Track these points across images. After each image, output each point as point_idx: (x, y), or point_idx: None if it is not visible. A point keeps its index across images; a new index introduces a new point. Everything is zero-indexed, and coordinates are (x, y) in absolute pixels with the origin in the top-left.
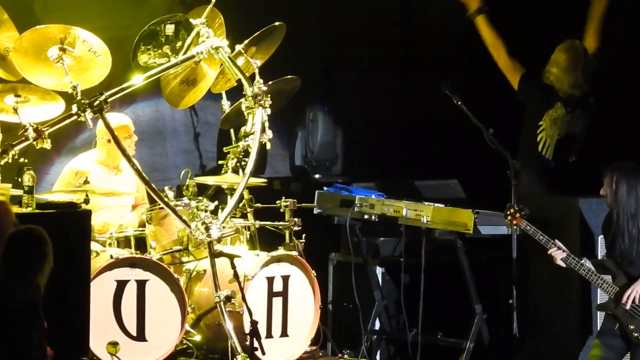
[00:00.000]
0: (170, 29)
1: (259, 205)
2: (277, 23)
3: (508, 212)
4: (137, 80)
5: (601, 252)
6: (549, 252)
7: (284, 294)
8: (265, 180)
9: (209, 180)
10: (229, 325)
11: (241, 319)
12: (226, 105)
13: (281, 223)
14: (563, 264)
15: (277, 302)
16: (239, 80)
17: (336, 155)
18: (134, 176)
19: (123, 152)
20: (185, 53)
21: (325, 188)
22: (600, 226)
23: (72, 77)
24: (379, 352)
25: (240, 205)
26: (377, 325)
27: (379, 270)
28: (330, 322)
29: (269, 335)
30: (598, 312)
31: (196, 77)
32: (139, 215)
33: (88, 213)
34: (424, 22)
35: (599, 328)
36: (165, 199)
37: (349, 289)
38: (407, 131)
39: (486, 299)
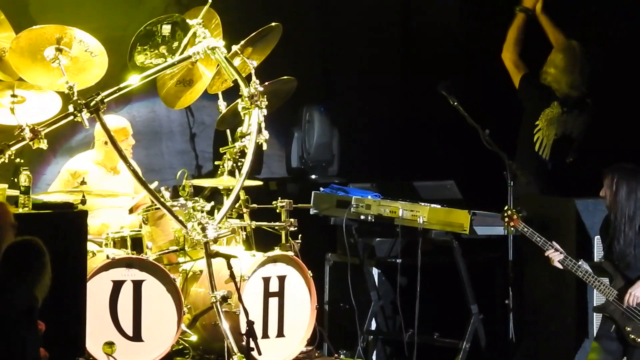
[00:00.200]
0: (166, 29)
1: (254, 205)
2: (273, 24)
3: (505, 214)
4: (134, 80)
5: (597, 253)
6: (546, 254)
7: (280, 294)
8: (261, 182)
9: (205, 182)
10: (225, 326)
11: (237, 319)
12: (222, 105)
13: (277, 223)
14: (560, 266)
15: (274, 302)
16: (235, 81)
17: (332, 156)
18: (132, 177)
19: (120, 153)
20: (181, 53)
21: (321, 189)
22: (596, 227)
23: (68, 77)
24: (375, 352)
25: (237, 205)
26: (374, 326)
27: (375, 271)
28: (327, 322)
29: (265, 335)
30: (594, 314)
31: (192, 77)
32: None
33: (84, 213)
34: (423, 22)
35: (594, 330)
36: (162, 200)
37: (345, 289)
38: (403, 132)
39: (482, 300)
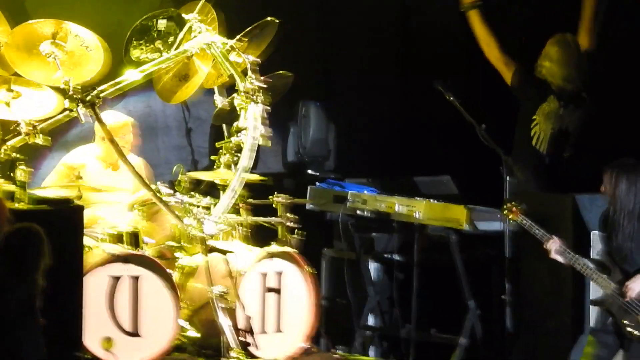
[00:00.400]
0: (162, 24)
1: (251, 200)
2: (269, 18)
3: (506, 206)
4: (130, 75)
5: (595, 248)
6: (545, 246)
7: (277, 289)
8: (264, 178)
9: (202, 175)
10: (222, 321)
11: (235, 315)
12: (218, 100)
13: (274, 219)
14: (558, 258)
15: (271, 297)
16: (231, 76)
17: (329, 151)
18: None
19: (116, 148)
20: (177, 48)
21: (317, 184)
22: (593, 222)
23: (64, 72)
24: (372, 347)
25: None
26: (370, 321)
27: (372, 266)
28: (324, 317)
29: (263, 331)
30: (591, 309)
31: (188, 72)
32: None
33: (80, 208)
34: (423, 21)
35: (591, 324)
36: (158, 195)
37: (342, 284)
38: (400, 128)
39: (479, 295)
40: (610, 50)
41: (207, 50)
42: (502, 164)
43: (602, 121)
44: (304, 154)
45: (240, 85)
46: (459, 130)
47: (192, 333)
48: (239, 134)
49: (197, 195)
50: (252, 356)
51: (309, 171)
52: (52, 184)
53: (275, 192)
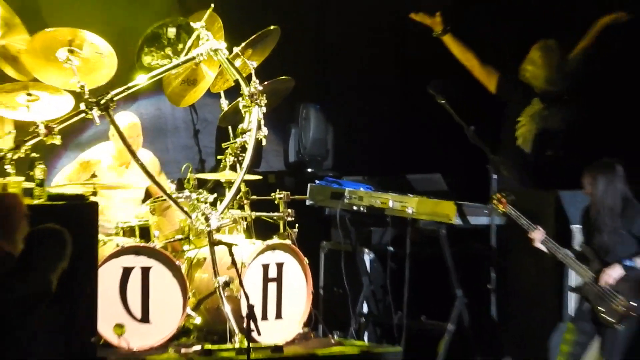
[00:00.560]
0: (172, 32)
1: (254, 197)
2: (272, 27)
3: (495, 197)
4: (141, 80)
5: (576, 242)
6: (529, 235)
7: (278, 279)
8: (260, 177)
9: (208, 176)
10: (227, 309)
11: (239, 303)
12: (224, 103)
13: (276, 214)
14: (542, 247)
15: (272, 287)
16: (236, 81)
17: (327, 150)
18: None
19: (128, 147)
20: (186, 55)
21: (316, 181)
22: (574, 217)
23: (79, 77)
24: (366, 333)
25: (238, 197)
26: (365, 309)
27: (367, 258)
28: (321, 305)
29: (265, 317)
30: (570, 297)
31: (196, 77)
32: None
33: (95, 205)
34: (418, 24)
35: (569, 313)
36: (168, 192)
37: (338, 275)
38: (394, 128)
39: (466, 285)
40: (595, 54)
41: (213, 56)
42: (489, 162)
43: (583, 122)
44: (304, 153)
45: (245, 90)
46: (449, 131)
47: (199, 320)
48: (243, 135)
49: (204, 192)
50: (255, 341)
51: (309, 170)
52: (66, 177)
53: (277, 189)
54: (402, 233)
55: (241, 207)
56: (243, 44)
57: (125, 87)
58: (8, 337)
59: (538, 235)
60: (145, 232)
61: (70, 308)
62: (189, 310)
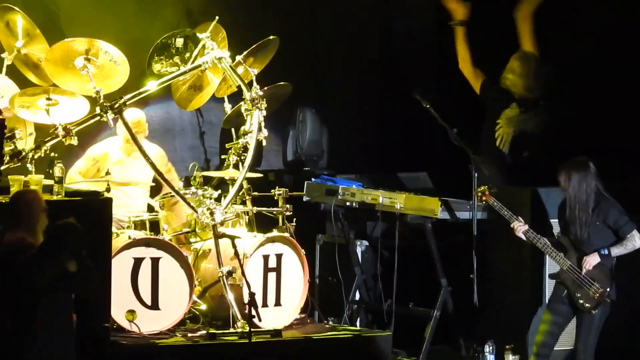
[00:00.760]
0: (180, 42)
1: (256, 193)
2: (271, 37)
3: (479, 190)
4: (152, 85)
5: (550, 236)
6: (511, 225)
7: (277, 269)
8: (261, 175)
9: (213, 174)
10: (230, 296)
11: (241, 291)
12: (228, 107)
13: (275, 209)
14: (523, 237)
15: (272, 276)
16: (239, 86)
17: (322, 151)
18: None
19: (139, 147)
20: (192, 63)
21: (313, 179)
22: (548, 212)
23: (95, 83)
24: (358, 319)
25: (240, 193)
26: (358, 296)
27: (359, 250)
28: (317, 293)
29: (265, 304)
30: (547, 284)
31: (202, 83)
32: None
33: (109, 200)
34: (401, 33)
35: (548, 297)
36: (176, 188)
37: (333, 265)
38: (383, 130)
39: (451, 274)
40: (564, 59)
41: (218, 64)
42: (470, 162)
43: (556, 125)
44: (301, 153)
45: (247, 95)
46: (434, 133)
47: (204, 306)
48: (245, 136)
49: (209, 188)
50: (256, 326)
51: (306, 168)
52: (77, 171)
53: (277, 186)
54: (391, 227)
55: (243, 203)
56: (245, 53)
57: (137, 92)
58: (29, 320)
59: (519, 226)
60: (155, 226)
61: (86, 295)
62: (195, 298)
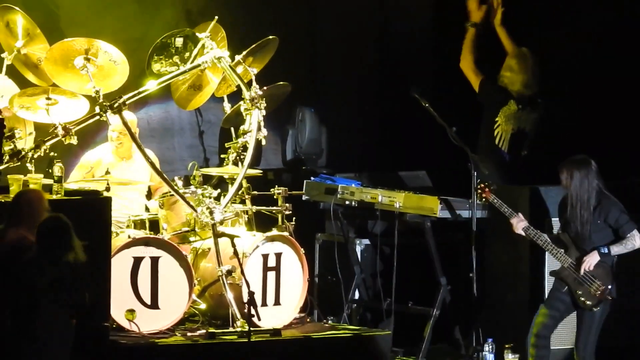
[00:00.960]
0: (179, 41)
1: (255, 192)
2: (270, 37)
3: (479, 187)
4: (151, 85)
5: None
6: (511, 221)
7: (276, 268)
8: (260, 171)
9: (213, 171)
10: (229, 296)
11: (240, 290)
12: (227, 107)
13: (274, 208)
14: (523, 233)
15: (271, 275)
16: (238, 86)
17: (321, 149)
18: (145, 164)
19: (139, 147)
20: (192, 62)
21: (312, 178)
22: (550, 210)
23: (95, 82)
24: (358, 318)
25: (239, 192)
26: (357, 295)
27: (358, 248)
28: (317, 292)
29: (264, 304)
30: (547, 283)
31: (201, 83)
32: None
33: (108, 199)
34: (398, 34)
35: (547, 292)
36: (175, 187)
37: (332, 264)
38: (382, 129)
39: (449, 273)
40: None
41: (217, 64)
42: (469, 160)
43: (553, 122)
44: (301, 152)
45: (246, 94)
46: (433, 132)
47: (204, 306)
48: (244, 136)
49: (208, 187)
50: (255, 325)
51: (305, 167)
52: (73, 181)
53: (276, 185)
54: (390, 225)
55: (243, 202)
56: (244, 53)
57: (136, 92)
58: (29, 320)
59: (519, 223)
60: (154, 225)
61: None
62: (194, 297)
